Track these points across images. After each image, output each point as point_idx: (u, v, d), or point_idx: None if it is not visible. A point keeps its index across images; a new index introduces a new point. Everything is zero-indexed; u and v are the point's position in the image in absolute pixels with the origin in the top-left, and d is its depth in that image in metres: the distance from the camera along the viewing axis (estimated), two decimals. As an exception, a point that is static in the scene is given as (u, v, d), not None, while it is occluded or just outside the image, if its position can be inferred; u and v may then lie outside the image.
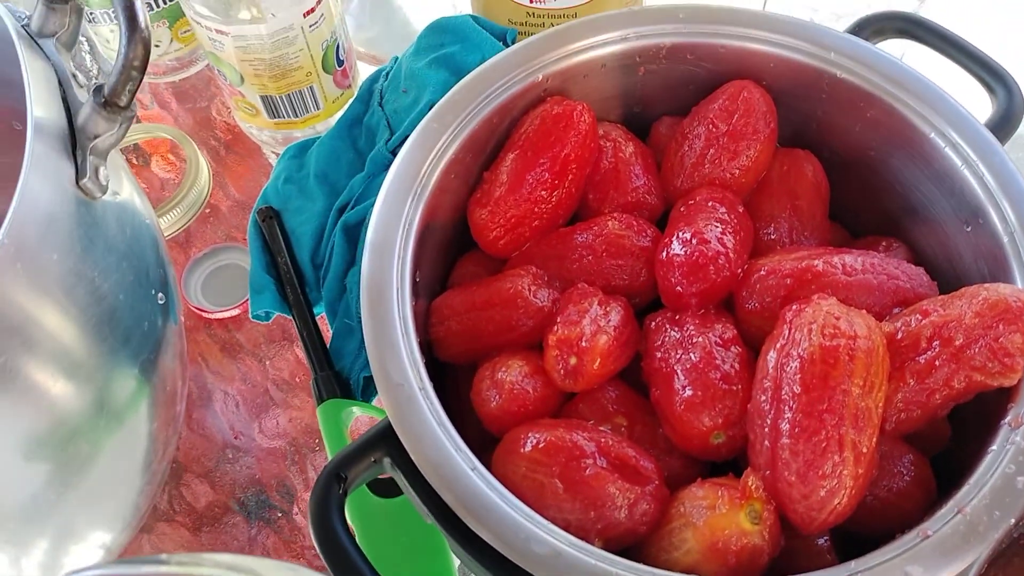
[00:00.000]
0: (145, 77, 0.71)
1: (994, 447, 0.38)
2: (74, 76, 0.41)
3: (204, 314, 0.60)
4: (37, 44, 0.41)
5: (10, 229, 0.33)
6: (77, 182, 0.37)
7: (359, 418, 0.55)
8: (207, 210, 0.64)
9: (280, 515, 0.53)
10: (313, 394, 0.54)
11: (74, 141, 0.38)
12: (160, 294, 0.44)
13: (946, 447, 0.45)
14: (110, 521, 0.48)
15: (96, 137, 0.38)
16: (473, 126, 0.47)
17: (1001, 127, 0.48)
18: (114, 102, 0.37)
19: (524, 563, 0.36)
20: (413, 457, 0.38)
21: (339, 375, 0.55)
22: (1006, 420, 0.39)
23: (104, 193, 0.39)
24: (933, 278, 0.45)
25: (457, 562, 0.50)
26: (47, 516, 0.42)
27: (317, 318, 0.58)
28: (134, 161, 0.67)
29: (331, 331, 0.57)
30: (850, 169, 0.52)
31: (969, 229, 0.45)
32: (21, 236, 0.33)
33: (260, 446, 0.55)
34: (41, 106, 0.37)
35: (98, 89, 0.37)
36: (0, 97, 0.43)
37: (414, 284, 0.44)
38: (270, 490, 0.55)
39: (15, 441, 0.38)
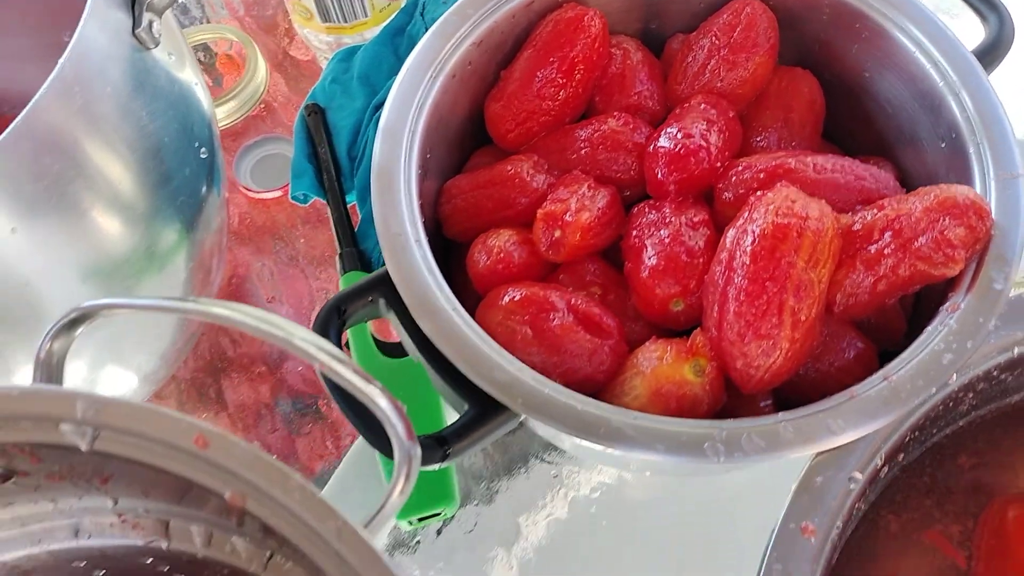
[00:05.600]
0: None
1: (929, 328, 0.42)
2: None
3: (250, 194, 0.66)
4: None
5: (71, 56, 0.39)
6: (133, 31, 0.43)
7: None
8: (262, 105, 0.71)
9: (300, 368, 0.60)
10: (337, 267, 0.60)
11: (133, -1, 0.44)
12: (203, 148, 0.50)
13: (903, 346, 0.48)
14: (149, 351, 0.54)
15: (152, -5, 0.44)
16: (490, 22, 0.52)
17: (991, 52, 0.50)
18: (168, -36, 0.43)
19: (487, 387, 0.41)
20: (402, 293, 0.44)
21: (362, 253, 0.61)
22: (945, 306, 0.42)
23: (156, 46, 0.45)
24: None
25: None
26: (94, 332, 0.49)
27: (348, 206, 0.64)
28: (202, 59, 0.73)
29: (360, 216, 0.63)
30: (848, 92, 0.55)
31: (944, 145, 0.48)
32: (79, 65, 0.40)
33: (289, 309, 0.62)
34: (105, -36, 0.43)
35: (155, -48, 0.43)
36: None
37: (423, 159, 0.49)
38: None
39: (68, 255, 0.45)
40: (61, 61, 0.39)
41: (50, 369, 0.31)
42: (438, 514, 0.53)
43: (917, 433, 0.42)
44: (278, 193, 0.66)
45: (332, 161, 0.64)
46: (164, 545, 0.35)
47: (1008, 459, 0.46)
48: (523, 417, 0.43)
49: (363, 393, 0.29)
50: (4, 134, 0.37)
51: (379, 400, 0.29)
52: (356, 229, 0.63)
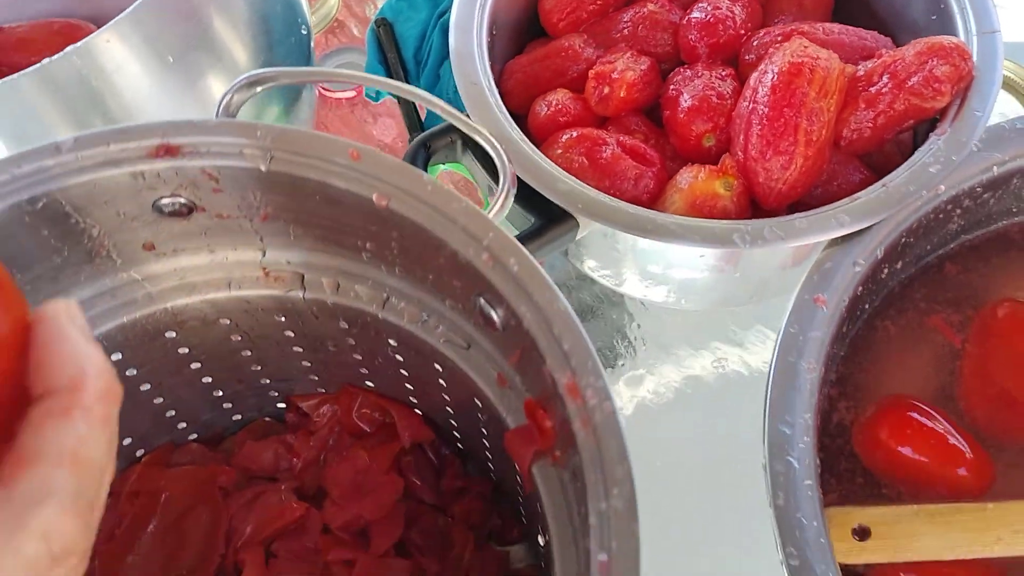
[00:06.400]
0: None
1: (921, 148, 0.50)
2: None
3: (329, 94, 0.76)
4: None
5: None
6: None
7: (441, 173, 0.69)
8: (335, 24, 0.80)
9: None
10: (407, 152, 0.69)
11: None
12: (303, 26, 0.59)
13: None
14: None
15: None
16: (546, -76, 0.61)
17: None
18: None
19: (553, 196, 0.49)
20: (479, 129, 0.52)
21: (429, 139, 0.70)
22: (934, 132, 0.50)
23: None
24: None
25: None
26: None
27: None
28: (280, -13, 0.83)
29: (426, 111, 0.72)
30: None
31: (935, 18, 0.56)
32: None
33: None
34: None
35: None
36: None
37: (490, 40, 0.58)
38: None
39: (196, 103, 0.54)
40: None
41: (228, 115, 0.40)
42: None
43: (912, 239, 0.50)
44: (352, 93, 0.76)
45: (400, 64, 0.73)
46: (300, 294, 0.44)
47: (996, 275, 0.54)
48: (580, 233, 0.52)
49: (474, 129, 0.37)
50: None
51: (488, 135, 0.37)
52: (423, 122, 0.71)
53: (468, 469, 0.56)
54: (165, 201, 0.39)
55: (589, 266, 0.60)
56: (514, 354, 0.37)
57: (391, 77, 0.74)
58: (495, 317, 0.36)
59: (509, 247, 0.34)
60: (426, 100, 0.39)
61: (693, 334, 0.63)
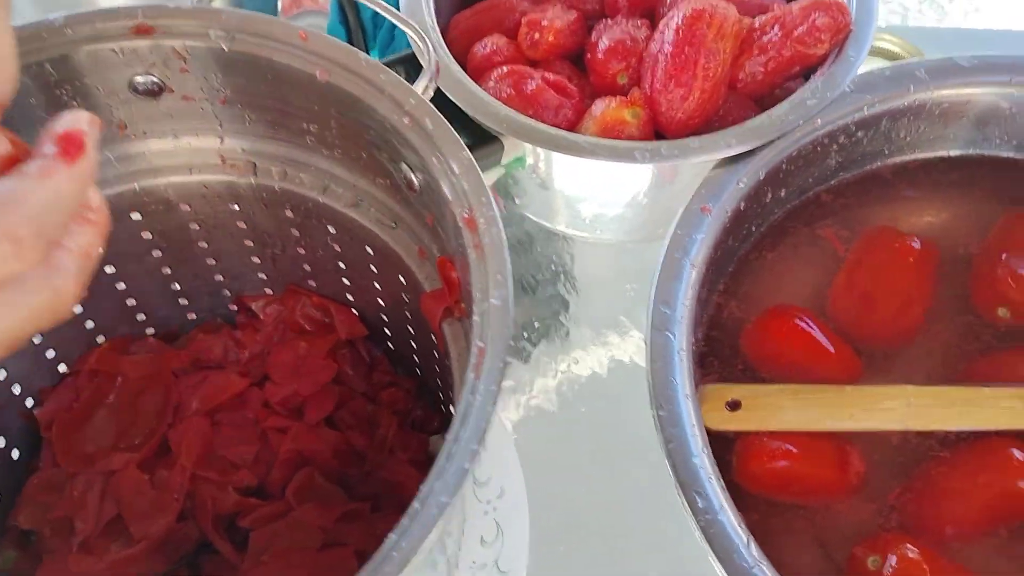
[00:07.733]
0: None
1: (802, 87, 0.58)
2: None
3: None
4: None
5: None
6: None
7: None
8: (300, -10, 0.87)
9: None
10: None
11: None
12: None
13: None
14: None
15: None
16: None
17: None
18: None
19: (483, 119, 0.56)
20: (422, 61, 0.59)
21: (381, 89, 0.77)
22: (815, 75, 0.58)
23: None
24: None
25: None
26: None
27: (371, 60, 0.80)
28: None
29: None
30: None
31: (827, -14, 0.64)
32: None
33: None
34: None
35: None
36: None
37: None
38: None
39: None
40: None
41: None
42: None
43: (792, 168, 0.57)
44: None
45: (359, 25, 0.81)
46: (252, 180, 0.50)
47: (874, 208, 0.61)
48: (505, 158, 0.58)
49: (402, 19, 0.44)
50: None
51: (414, 24, 0.44)
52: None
53: (397, 371, 0.62)
54: (139, 79, 0.45)
55: (519, 203, 0.67)
56: (430, 215, 0.44)
57: (350, 37, 0.81)
58: (415, 180, 0.43)
59: (425, 110, 0.40)
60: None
61: (614, 264, 0.71)
